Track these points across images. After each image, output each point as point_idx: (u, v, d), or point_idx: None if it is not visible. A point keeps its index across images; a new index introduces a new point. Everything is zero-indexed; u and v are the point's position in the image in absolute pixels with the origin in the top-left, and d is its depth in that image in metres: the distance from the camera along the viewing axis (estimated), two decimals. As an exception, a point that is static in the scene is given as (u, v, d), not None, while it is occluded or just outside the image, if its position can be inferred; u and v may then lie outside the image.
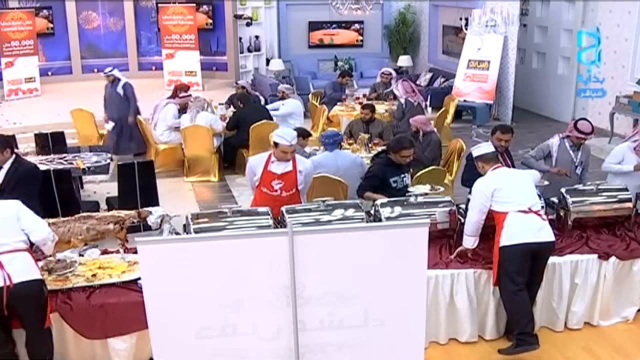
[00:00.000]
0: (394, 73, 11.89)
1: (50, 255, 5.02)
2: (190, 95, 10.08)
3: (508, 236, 4.84)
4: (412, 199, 5.46)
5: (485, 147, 5.27)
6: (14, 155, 5.77)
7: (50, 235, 4.59)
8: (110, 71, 10.26)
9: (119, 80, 10.09)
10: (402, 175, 6.08)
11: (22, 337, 4.36)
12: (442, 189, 5.96)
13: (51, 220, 5.20)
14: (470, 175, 5.70)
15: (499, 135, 6.25)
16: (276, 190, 5.67)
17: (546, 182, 6.07)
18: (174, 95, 10.19)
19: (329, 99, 11.18)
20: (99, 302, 4.50)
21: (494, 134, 6.30)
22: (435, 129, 8.17)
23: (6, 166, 5.66)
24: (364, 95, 11.65)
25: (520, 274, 4.84)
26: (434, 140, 7.62)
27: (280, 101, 10.24)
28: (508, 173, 5.23)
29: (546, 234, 4.92)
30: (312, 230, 3.26)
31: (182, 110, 9.70)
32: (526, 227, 4.85)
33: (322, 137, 7.12)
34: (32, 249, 4.55)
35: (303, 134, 7.47)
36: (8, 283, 4.12)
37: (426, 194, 5.70)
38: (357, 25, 16.01)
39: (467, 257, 5.15)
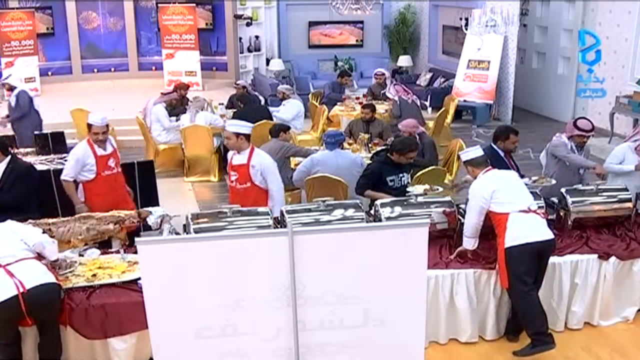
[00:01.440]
0: (387, 73, 11.90)
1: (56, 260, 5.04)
2: (174, 92, 10.09)
3: (513, 237, 4.82)
4: (412, 199, 5.46)
5: (474, 152, 5.23)
6: (9, 156, 5.78)
7: (46, 237, 4.66)
8: (5, 79, 9.65)
9: (15, 88, 9.30)
10: (401, 175, 6.12)
11: (27, 335, 4.38)
12: (440, 189, 5.96)
13: (51, 221, 5.20)
14: None
15: (513, 139, 6.24)
16: (232, 182, 5.82)
17: (553, 181, 6.03)
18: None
19: (328, 100, 11.19)
20: (99, 302, 4.50)
21: (507, 138, 6.23)
22: (425, 130, 8.21)
23: (2, 167, 5.67)
24: (364, 96, 11.68)
25: (528, 273, 4.83)
26: (427, 142, 7.63)
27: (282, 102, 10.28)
28: (501, 174, 5.21)
29: (547, 232, 4.93)
30: (312, 230, 3.27)
31: (170, 107, 9.70)
32: (529, 227, 4.85)
33: (325, 136, 7.18)
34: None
35: (283, 129, 7.58)
36: (22, 290, 4.13)
37: (425, 193, 5.70)
38: (354, 26, 15.98)
39: (467, 257, 5.15)
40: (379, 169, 6.12)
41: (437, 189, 5.91)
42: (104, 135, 6.06)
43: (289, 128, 7.85)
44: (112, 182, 6.20)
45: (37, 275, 4.26)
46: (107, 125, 6.13)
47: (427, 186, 5.98)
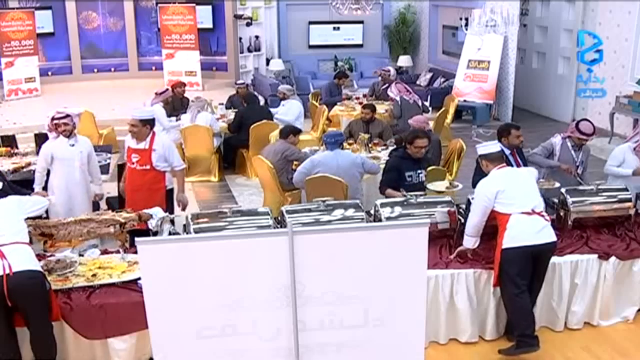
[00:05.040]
0: (392, 70, 11.91)
1: (50, 255, 5.04)
2: (168, 90, 10.14)
3: (510, 238, 4.82)
4: (412, 199, 5.46)
5: (491, 147, 5.22)
6: None
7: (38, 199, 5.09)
8: None
9: None
10: (418, 171, 6.22)
11: (25, 336, 4.36)
12: (460, 186, 5.95)
13: (51, 223, 5.20)
14: (481, 177, 5.67)
15: (516, 133, 6.34)
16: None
17: (557, 184, 6.03)
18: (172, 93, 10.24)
19: (325, 104, 11.12)
20: (99, 302, 4.50)
21: (509, 134, 6.31)
22: (432, 129, 8.21)
23: None
24: (364, 95, 11.66)
25: (521, 276, 4.83)
26: (434, 140, 7.63)
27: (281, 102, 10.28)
28: (511, 173, 5.19)
29: (548, 235, 4.90)
30: (312, 230, 3.27)
31: (170, 107, 9.73)
32: (528, 230, 4.83)
33: (325, 136, 7.18)
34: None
35: (294, 131, 7.59)
36: (8, 271, 4.14)
37: (442, 191, 5.72)
38: (356, 25, 15.98)
39: (467, 257, 5.15)
40: (398, 164, 6.23)
41: (457, 186, 5.91)
42: (132, 128, 6.09)
43: (299, 132, 7.83)
44: (130, 175, 6.26)
45: (25, 261, 4.26)
46: (143, 121, 6.09)
47: (447, 183, 6.00)
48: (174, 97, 10.29)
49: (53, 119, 6.24)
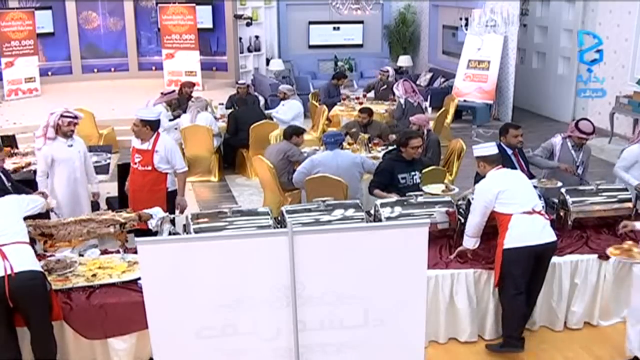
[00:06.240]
0: (391, 71, 11.87)
1: (50, 255, 5.04)
2: (174, 91, 10.12)
3: (512, 238, 4.82)
4: (412, 199, 5.46)
5: (489, 149, 5.21)
6: None
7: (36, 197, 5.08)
8: None
9: None
10: (412, 173, 6.15)
11: (25, 336, 4.36)
12: (456, 189, 5.92)
13: (51, 222, 5.20)
14: (483, 177, 5.66)
15: (514, 133, 6.30)
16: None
17: (560, 183, 6.01)
18: (180, 93, 10.23)
19: (324, 104, 11.09)
20: (99, 302, 4.50)
21: (507, 133, 6.29)
22: (432, 129, 8.19)
23: None
24: (364, 95, 11.65)
25: (522, 276, 4.84)
26: (433, 140, 7.62)
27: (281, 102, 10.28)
28: (510, 174, 5.19)
29: (549, 235, 4.91)
30: (312, 230, 3.26)
31: (171, 107, 9.72)
32: (530, 229, 4.83)
33: (325, 136, 7.18)
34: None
35: (297, 132, 7.57)
36: (10, 272, 4.13)
37: (437, 194, 5.69)
38: (356, 25, 15.98)
39: (467, 257, 5.15)
40: (390, 166, 6.16)
41: (454, 189, 5.89)
42: (133, 127, 6.10)
43: (302, 131, 7.78)
44: (132, 175, 6.27)
45: (26, 261, 4.26)
46: (144, 121, 6.05)
47: (443, 186, 5.97)
48: (181, 96, 10.26)
49: (63, 116, 6.20)
